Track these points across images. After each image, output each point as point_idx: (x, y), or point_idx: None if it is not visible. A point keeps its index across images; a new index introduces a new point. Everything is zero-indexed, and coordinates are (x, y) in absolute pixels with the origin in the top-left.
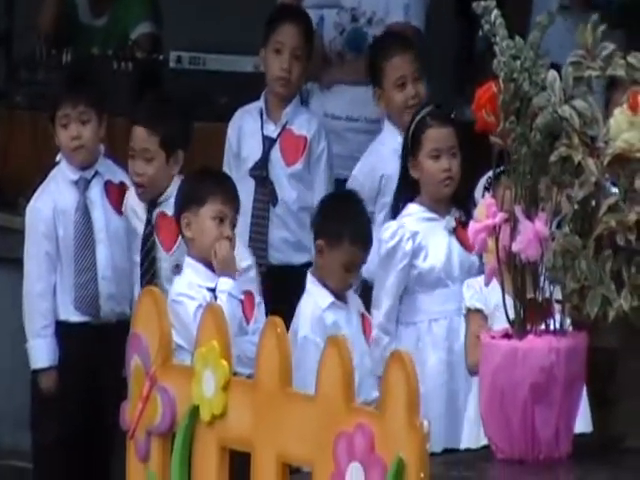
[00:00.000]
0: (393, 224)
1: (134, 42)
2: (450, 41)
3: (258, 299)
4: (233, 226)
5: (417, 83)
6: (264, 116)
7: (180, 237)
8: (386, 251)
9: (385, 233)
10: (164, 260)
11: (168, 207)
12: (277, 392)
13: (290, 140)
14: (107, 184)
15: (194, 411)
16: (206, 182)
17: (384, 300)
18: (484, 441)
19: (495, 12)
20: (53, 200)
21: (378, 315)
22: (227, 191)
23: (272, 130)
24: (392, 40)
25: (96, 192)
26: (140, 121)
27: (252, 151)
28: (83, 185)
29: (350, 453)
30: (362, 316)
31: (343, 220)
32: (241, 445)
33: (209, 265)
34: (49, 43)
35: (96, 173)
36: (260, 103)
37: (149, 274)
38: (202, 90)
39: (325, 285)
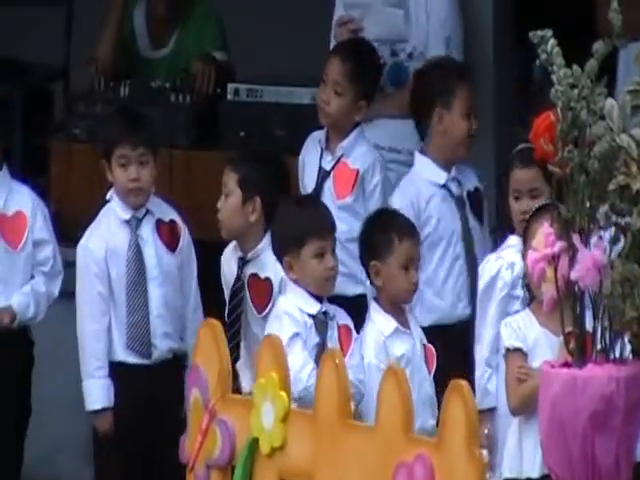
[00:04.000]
0: (492, 257)
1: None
2: (509, 70)
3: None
4: (333, 250)
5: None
6: (323, 147)
7: (272, 300)
8: (485, 284)
9: (484, 266)
10: (255, 322)
11: (259, 265)
12: (336, 423)
13: (343, 173)
14: (158, 222)
15: (253, 443)
16: (301, 219)
17: (486, 333)
18: (525, 474)
19: (552, 41)
20: (105, 240)
21: (481, 349)
22: (322, 225)
23: (328, 161)
24: (455, 72)
25: (147, 231)
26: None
27: (310, 181)
28: (135, 224)
29: None
30: (424, 347)
31: (383, 229)
32: (301, 477)
33: (310, 292)
34: (107, 76)
35: (147, 212)
36: (324, 132)
37: (233, 328)
38: (259, 122)
39: (389, 311)
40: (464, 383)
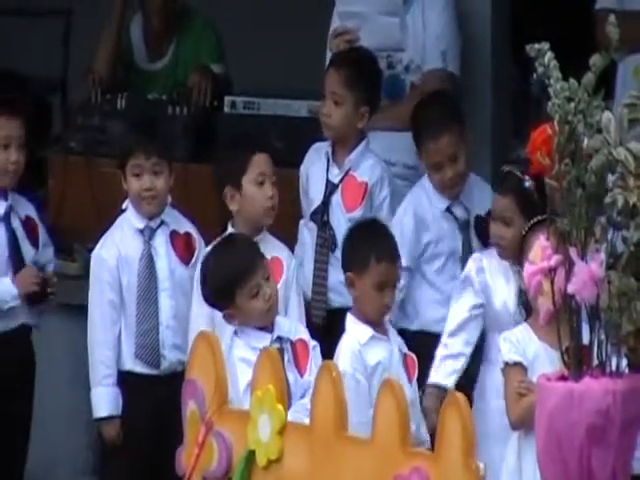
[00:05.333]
0: (476, 255)
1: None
2: (506, 84)
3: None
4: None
5: (454, 164)
6: (330, 160)
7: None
8: (462, 277)
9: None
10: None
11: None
12: (333, 436)
13: (352, 186)
14: (172, 234)
15: (250, 456)
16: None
17: (450, 320)
18: None
19: (548, 54)
20: (117, 248)
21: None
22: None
23: (335, 175)
24: (436, 117)
25: (161, 241)
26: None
27: (316, 194)
28: (148, 234)
29: None
30: (405, 355)
31: (364, 244)
32: None
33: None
34: (104, 88)
35: (162, 222)
36: (329, 144)
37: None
38: (257, 135)
39: (365, 321)
40: (460, 395)
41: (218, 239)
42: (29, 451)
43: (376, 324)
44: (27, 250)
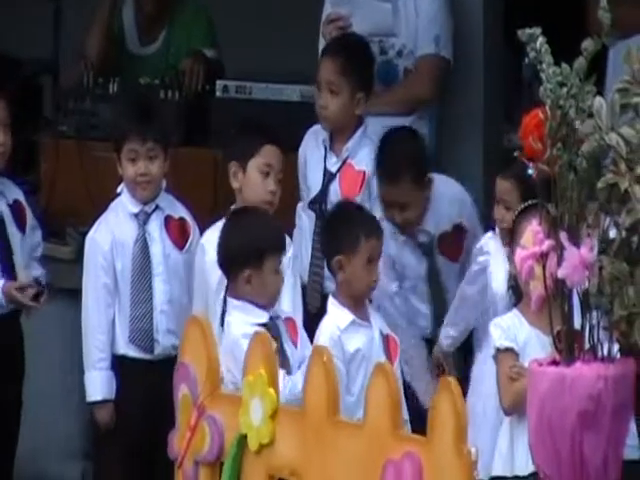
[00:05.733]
0: (488, 234)
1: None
2: (498, 69)
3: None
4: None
5: (404, 212)
6: (327, 148)
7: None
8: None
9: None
10: None
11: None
12: (325, 421)
13: (350, 175)
14: (167, 219)
15: (242, 440)
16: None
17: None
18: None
19: (540, 39)
20: (112, 232)
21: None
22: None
23: (333, 163)
24: (394, 161)
25: (155, 226)
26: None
27: (314, 183)
28: (143, 218)
29: None
30: (387, 337)
31: (351, 224)
32: (289, 473)
33: (254, 302)
34: (96, 72)
35: (157, 207)
36: (326, 132)
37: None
38: (248, 119)
39: (347, 305)
40: (452, 381)
41: (235, 208)
42: (20, 435)
43: (360, 305)
44: (13, 233)
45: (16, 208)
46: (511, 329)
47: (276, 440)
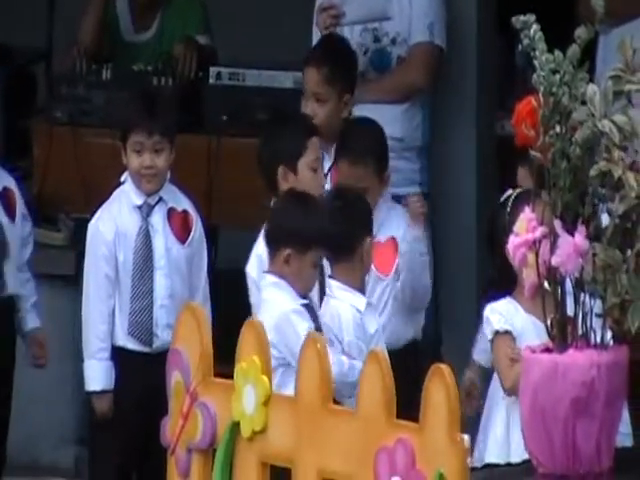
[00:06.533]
0: None
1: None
2: (491, 56)
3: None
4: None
5: None
6: (323, 151)
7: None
8: None
9: None
10: None
11: None
12: (318, 408)
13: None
14: (170, 211)
15: (235, 427)
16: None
17: None
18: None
19: (534, 26)
20: (115, 223)
21: None
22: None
23: (326, 164)
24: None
25: (158, 219)
26: None
27: None
28: (146, 211)
29: (391, 468)
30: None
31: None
32: (282, 461)
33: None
34: (89, 59)
35: (160, 199)
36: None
37: None
38: (242, 106)
39: (356, 289)
40: (445, 367)
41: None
42: (15, 422)
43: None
44: (2, 221)
45: (6, 196)
46: (509, 314)
47: (269, 427)
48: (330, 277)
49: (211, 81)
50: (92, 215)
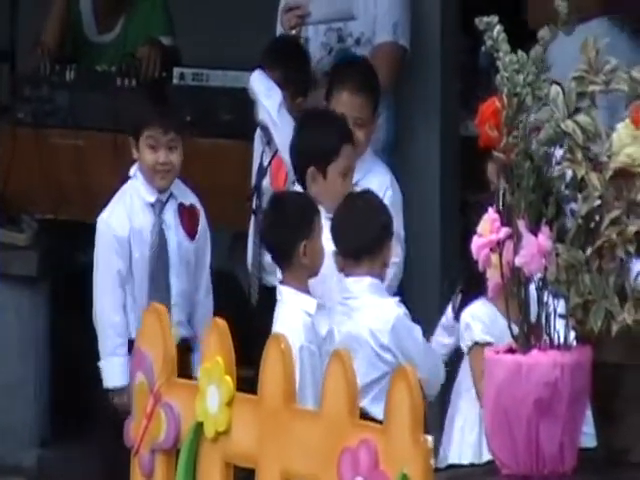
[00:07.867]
0: None
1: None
2: (454, 56)
3: None
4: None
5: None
6: (264, 144)
7: None
8: None
9: None
10: None
11: None
12: (281, 408)
13: (278, 166)
14: (180, 207)
15: (198, 427)
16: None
17: None
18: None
19: (498, 28)
20: (129, 219)
21: None
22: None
23: (267, 158)
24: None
25: (170, 215)
26: None
27: (253, 181)
28: (159, 208)
29: (354, 469)
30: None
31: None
32: (245, 461)
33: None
34: (53, 59)
35: (171, 195)
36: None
37: None
38: (205, 106)
39: (302, 291)
40: (409, 368)
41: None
42: None
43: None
44: None
45: None
46: (490, 320)
47: (232, 428)
48: (281, 283)
49: (175, 82)
50: (55, 216)
